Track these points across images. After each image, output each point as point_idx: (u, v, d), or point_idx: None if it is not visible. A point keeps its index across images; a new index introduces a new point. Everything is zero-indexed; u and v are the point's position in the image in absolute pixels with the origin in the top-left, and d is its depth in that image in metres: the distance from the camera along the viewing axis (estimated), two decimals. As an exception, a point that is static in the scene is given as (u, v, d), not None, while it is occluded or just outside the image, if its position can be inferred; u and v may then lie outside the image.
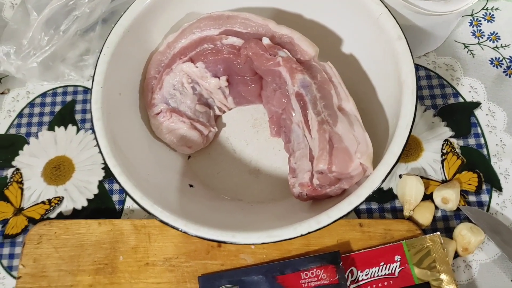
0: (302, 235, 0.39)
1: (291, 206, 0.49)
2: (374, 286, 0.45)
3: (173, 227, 0.40)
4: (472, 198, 0.52)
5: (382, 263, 0.46)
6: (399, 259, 0.46)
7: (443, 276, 0.45)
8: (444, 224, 0.51)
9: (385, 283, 0.45)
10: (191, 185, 0.51)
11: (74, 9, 0.54)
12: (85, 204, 0.53)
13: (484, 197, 0.52)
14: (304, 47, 0.47)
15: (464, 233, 0.48)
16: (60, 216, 0.53)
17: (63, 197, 0.54)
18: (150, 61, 0.51)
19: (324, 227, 0.39)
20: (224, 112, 0.55)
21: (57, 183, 0.54)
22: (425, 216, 0.50)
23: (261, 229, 0.40)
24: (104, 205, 0.53)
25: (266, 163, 0.53)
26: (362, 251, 0.47)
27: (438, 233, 0.47)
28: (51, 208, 0.53)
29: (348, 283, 0.45)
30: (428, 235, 0.47)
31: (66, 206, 0.53)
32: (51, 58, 0.55)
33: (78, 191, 0.54)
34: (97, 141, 0.42)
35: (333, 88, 0.45)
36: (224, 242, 0.39)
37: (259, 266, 0.46)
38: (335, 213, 0.39)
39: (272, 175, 0.52)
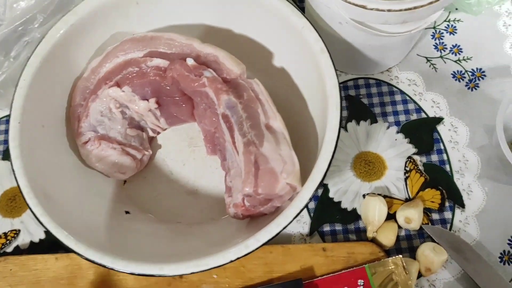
0: (231, 261, 0.38)
1: (229, 225, 0.48)
2: (337, 313, 0.45)
3: (100, 265, 0.39)
4: (435, 216, 0.52)
5: (345, 288, 0.46)
6: (362, 283, 0.46)
7: (406, 300, 0.45)
8: (408, 244, 0.51)
9: (348, 309, 0.45)
10: (127, 212, 0.50)
11: (24, 35, 0.52)
12: (43, 236, 0.52)
13: (447, 215, 0.52)
14: (229, 66, 0.46)
15: (427, 253, 0.48)
16: (17, 250, 0.51)
17: (19, 230, 0.52)
18: (75, 87, 0.49)
19: (254, 250, 0.39)
20: (158, 133, 0.54)
21: (13, 216, 0.53)
22: (388, 237, 0.49)
23: (193, 257, 0.39)
24: (63, 237, 0.52)
25: (203, 182, 0.52)
26: (325, 276, 0.47)
27: (400, 256, 0.47)
28: (8, 242, 0.51)
29: (311, 311, 0.45)
30: (391, 258, 0.47)
31: (23, 240, 0.52)
32: (2, 86, 0.53)
33: (35, 223, 0.52)
34: (16, 181, 0.41)
35: (260, 106, 0.44)
36: (153, 276, 0.38)
37: (220, 297, 0.46)
38: (264, 236, 0.39)
39: (210, 195, 0.52)
